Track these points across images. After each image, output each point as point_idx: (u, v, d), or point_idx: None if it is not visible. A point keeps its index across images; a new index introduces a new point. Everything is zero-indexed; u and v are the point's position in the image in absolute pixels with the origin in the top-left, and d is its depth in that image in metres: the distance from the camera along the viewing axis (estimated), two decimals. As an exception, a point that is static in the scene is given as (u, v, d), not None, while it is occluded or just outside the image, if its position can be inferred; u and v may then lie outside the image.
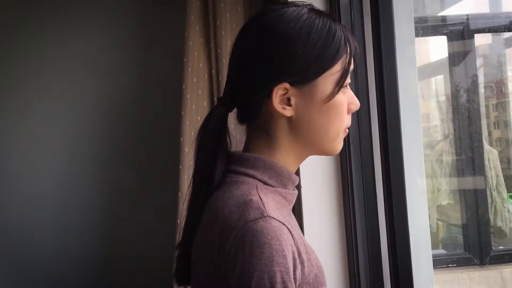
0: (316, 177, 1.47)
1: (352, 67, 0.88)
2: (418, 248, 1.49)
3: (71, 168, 2.33)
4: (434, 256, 2.47)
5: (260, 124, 0.89)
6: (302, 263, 0.79)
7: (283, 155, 0.89)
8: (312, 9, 0.88)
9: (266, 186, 0.85)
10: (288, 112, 0.85)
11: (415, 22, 2.39)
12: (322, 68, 0.84)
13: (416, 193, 1.50)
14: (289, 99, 0.85)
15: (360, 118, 1.45)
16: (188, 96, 1.65)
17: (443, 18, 2.75)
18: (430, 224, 2.61)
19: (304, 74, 0.84)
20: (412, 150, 1.48)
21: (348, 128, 0.92)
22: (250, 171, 0.86)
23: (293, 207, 1.42)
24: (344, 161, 1.45)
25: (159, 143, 2.19)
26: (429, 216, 2.58)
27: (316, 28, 0.84)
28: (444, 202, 2.72)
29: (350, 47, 0.87)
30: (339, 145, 0.91)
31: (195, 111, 1.65)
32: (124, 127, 2.32)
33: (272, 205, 0.80)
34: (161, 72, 2.22)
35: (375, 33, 1.44)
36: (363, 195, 1.44)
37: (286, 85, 0.84)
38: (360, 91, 1.45)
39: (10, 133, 2.32)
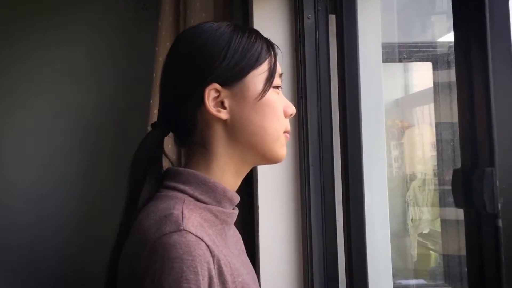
0: (274, 198, 1.44)
1: (279, 70, 0.90)
2: (378, 275, 1.45)
3: (49, 168, 2.35)
4: (413, 286, 2.42)
5: (197, 139, 0.88)
6: (223, 283, 0.76)
7: (221, 168, 0.88)
8: (232, 23, 0.91)
9: (196, 202, 0.84)
10: (224, 114, 0.85)
11: (406, 47, 2.37)
12: (248, 66, 0.86)
13: (378, 216, 1.47)
14: (222, 103, 0.85)
15: (322, 140, 1.43)
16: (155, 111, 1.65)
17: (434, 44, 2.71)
18: (410, 253, 2.56)
19: (231, 73, 0.85)
20: (374, 172, 1.46)
21: (286, 132, 0.91)
22: (181, 186, 0.85)
23: (251, 227, 1.40)
24: (303, 182, 1.42)
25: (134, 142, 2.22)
26: (409, 244, 2.53)
27: (237, 33, 0.88)
28: (426, 231, 2.68)
29: (273, 50, 0.90)
30: (281, 150, 0.89)
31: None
32: (102, 127, 2.35)
33: (195, 221, 0.78)
34: (134, 82, 2.25)
35: (339, 54, 1.42)
36: (322, 217, 1.40)
37: (217, 85, 0.85)
38: (323, 112, 1.43)
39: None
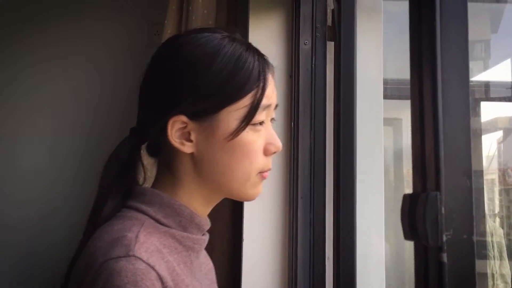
0: (260, 229, 1.35)
1: (270, 101, 0.78)
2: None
3: (57, 166, 2.28)
4: None
5: (165, 160, 0.81)
6: None
7: (187, 196, 0.79)
8: (227, 36, 0.78)
9: (157, 225, 0.75)
10: (188, 148, 0.76)
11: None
12: (224, 101, 0.75)
13: (373, 257, 1.36)
14: (189, 134, 0.76)
15: (314, 172, 1.34)
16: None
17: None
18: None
19: (203, 106, 0.75)
20: (370, 209, 1.36)
21: (264, 172, 0.79)
22: (143, 207, 0.77)
23: (236, 258, 1.31)
24: (291, 215, 1.33)
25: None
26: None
27: (223, 56, 0.75)
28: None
29: (265, 82, 0.77)
30: (252, 190, 0.79)
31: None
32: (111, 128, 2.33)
33: (151, 246, 0.69)
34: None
35: (336, 82, 1.35)
36: (310, 254, 1.31)
37: (183, 118, 0.75)
38: (317, 141, 1.35)
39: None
